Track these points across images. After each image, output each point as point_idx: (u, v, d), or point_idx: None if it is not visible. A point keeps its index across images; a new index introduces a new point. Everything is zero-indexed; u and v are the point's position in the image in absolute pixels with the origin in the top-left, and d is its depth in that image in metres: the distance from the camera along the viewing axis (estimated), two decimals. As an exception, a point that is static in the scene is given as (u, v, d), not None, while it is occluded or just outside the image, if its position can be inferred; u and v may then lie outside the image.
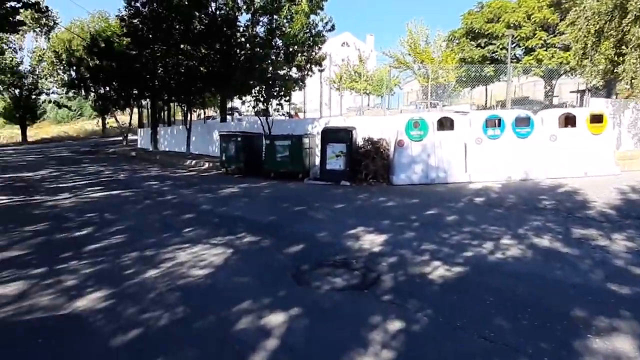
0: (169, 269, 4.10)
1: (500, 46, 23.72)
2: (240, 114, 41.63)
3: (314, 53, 18.45)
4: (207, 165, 14.33)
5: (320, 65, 19.09)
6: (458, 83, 26.73)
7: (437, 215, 6.41)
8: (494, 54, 24.59)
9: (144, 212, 6.99)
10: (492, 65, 23.13)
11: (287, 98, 12.51)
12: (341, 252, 4.60)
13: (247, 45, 18.56)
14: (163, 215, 6.63)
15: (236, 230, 5.64)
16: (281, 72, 17.03)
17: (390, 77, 30.48)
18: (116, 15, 20.40)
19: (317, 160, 11.42)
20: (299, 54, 17.39)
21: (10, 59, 33.36)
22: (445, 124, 10.02)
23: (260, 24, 18.78)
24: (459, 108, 20.43)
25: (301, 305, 3.26)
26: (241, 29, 18.64)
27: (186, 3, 17.31)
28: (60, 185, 10.13)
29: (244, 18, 18.73)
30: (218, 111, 37.62)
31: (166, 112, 25.49)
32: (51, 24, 35.78)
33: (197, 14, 17.77)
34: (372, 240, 5.00)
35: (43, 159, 18.85)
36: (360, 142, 10.39)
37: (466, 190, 8.42)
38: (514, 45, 22.97)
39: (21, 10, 13.95)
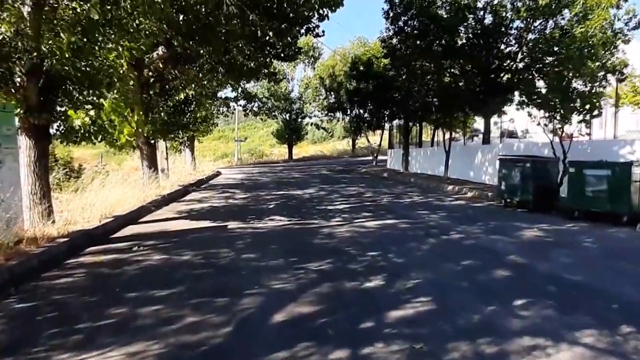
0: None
1: None
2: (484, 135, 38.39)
3: (608, 58, 14.48)
4: (472, 193, 12.33)
5: (622, 73, 14.83)
6: None
7: None
8: None
9: (435, 257, 5.45)
10: None
11: (596, 113, 9.42)
12: None
13: (519, 55, 15.97)
14: (464, 267, 4.92)
15: (606, 316, 3.48)
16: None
17: None
18: (378, 37, 20.63)
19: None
20: (589, 60, 13.77)
21: (284, 87, 38.76)
22: None
23: (534, 29, 15.94)
24: None
25: None
26: (512, 38, 16.17)
27: (452, 15, 15.97)
28: (329, 207, 9.75)
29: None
30: (461, 132, 35.30)
31: (417, 133, 24.65)
32: (317, 55, 40.32)
33: (460, 28, 16.22)
34: None
35: (307, 176, 20.20)
36: None
37: None
38: None
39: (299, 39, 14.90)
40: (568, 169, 8.70)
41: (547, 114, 9.90)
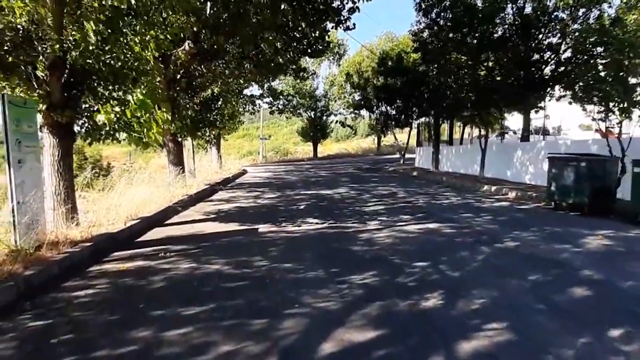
0: None
1: None
2: (514, 132, 37.17)
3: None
4: (514, 193, 11.53)
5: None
6: None
7: None
8: None
9: (494, 269, 4.81)
10: None
11: (660, 106, 8.56)
12: None
13: (562, 47, 15.02)
14: (533, 284, 4.28)
15: None
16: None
17: None
18: (408, 30, 19.92)
19: None
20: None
21: (309, 85, 38.23)
22: None
23: (578, 18, 14.96)
24: None
25: None
26: (555, 28, 15.19)
27: (489, 5, 15.10)
28: (364, 209, 9.17)
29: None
30: (490, 129, 34.09)
31: (448, 131, 23.78)
32: (342, 52, 39.69)
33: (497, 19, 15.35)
34: None
35: (334, 175, 19.64)
36: None
37: None
38: None
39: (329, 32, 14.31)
40: (631, 168, 7.88)
41: (603, 108, 9.05)
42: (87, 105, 6.28)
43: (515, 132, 37.99)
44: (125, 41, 5.85)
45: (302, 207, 9.68)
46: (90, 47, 5.57)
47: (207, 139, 18.70)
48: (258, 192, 13.04)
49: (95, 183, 10.30)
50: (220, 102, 14.81)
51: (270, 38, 8.91)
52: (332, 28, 11.95)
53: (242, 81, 15.95)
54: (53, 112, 5.92)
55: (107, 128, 6.12)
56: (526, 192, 11.21)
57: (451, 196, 11.57)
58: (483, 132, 17.88)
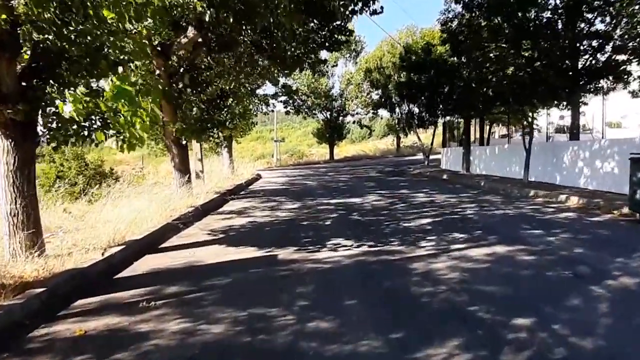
0: None
1: None
2: (539, 131, 35.28)
3: None
4: (574, 201, 9.76)
5: None
6: None
7: None
8: None
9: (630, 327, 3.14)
10: None
11: None
12: None
13: (617, 32, 13.18)
14: None
15: None
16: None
17: None
18: (437, 20, 18.17)
19: None
20: None
21: (325, 84, 36.62)
22: None
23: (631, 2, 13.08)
24: None
25: None
26: (608, 11, 13.32)
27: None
28: (404, 225, 7.50)
29: None
30: (513, 128, 32.04)
31: (475, 130, 21.97)
32: (359, 49, 38.04)
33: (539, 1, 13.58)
34: None
35: (357, 179, 17.96)
36: None
37: None
38: None
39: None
40: None
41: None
42: (48, 98, 4.74)
43: (539, 131, 35.99)
44: (94, 12, 4.29)
45: (328, 222, 8.05)
46: (47, 15, 4.05)
47: (217, 141, 17.20)
48: (275, 201, 11.44)
49: (97, 192, 8.94)
50: (230, 100, 13.25)
51: (292, 12, 7.28)
52: (358, 11, 10.35)
53: (252, 79, 14.41)
54: (3, 106, 4.42)
55: (76, 126, 4.59)
56: (591, 200, 9.44)
57: (500, 204, 9.84)
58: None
